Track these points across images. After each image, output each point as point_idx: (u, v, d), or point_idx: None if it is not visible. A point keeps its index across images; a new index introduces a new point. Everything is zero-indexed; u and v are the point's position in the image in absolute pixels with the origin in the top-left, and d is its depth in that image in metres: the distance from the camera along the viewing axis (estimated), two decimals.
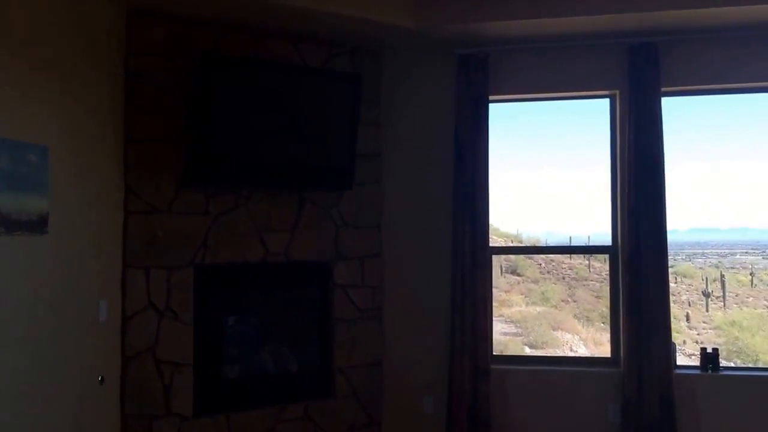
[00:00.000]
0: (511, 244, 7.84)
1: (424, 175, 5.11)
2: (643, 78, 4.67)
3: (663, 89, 4.66)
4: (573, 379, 4.86)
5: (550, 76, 4.90)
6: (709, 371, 4.70)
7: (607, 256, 5.06)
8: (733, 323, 11.60)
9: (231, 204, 4.47)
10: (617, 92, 4.84)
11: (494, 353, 5.09)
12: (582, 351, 11.34)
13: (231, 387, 4.57)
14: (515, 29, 4.63)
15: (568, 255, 9.15)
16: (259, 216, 4.57)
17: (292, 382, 4.80)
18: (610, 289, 4.97)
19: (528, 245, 6.33)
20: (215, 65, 4.18)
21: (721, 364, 4.74)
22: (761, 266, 13.09)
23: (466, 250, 4.87)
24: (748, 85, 4.76)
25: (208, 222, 4.38)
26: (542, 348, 11.35)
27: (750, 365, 6.21)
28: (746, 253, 13.28)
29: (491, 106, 4.95)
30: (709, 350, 4.76)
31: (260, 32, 4.57)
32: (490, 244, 5.04)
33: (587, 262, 10.40)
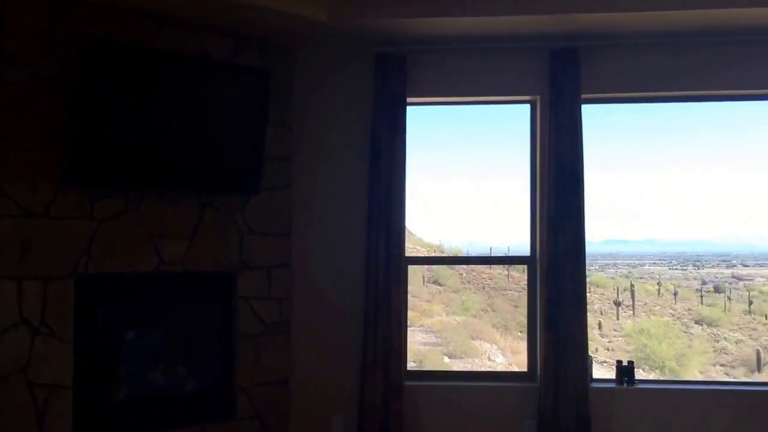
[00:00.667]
0: (433, 255, 7.69)
1: (338, 180, 4.75)
2: (564, 84, 4.46)
3: (583, 96, 4.47)
4: (489, 394, 4.59)
5: (471, 79, 4.64)
6: (625, 384, 4.54)
7: (525, 267, 4.82)
8: (641, 331, 11.79)
9: (119, 208, 3.97)
10: (538, 98, 4.63)
11: (409, 368, 4.77)
12: (500, 360, 11.25)
13: (118, 410, 4.06)
14: (434, 28, 4.35)
15: (489, 265, 9.01)
16: (153, 222, 4.09)
17: (189, 403, 4.33)
18: (528, 302, 4.74)
19: (448, 255, 6.07)
20: (106, 53, 3.71)
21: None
22: (667, 276, 13.42)
23: (380, 260, 4.53)
24: (667, 94, 4.64)
25: (92, 228, 3.86)
26: (461, 358, 11.21)
27: (665, 378, 6.13)
28: (654, 263, 13.60)
29: (411, 109, 4.66)
30: (625, 363, 4.60)
31: (159, 20, 4.10)
32: (410, 254, 4.75)
33: (506, 272, 10.32)
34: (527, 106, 4.75)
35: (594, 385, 4.50)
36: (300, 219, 4.73)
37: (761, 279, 13.03)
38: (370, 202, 4.56)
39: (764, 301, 12.47)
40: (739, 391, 4.52)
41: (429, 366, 10.66)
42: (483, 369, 10.88)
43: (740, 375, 11.10)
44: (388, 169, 4.57)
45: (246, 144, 4.27)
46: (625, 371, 4.54)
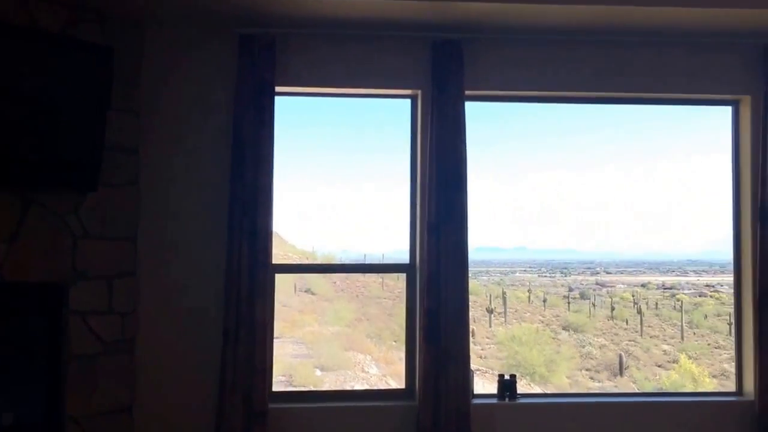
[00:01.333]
0: (306, 262, 7.16)
1: (195, 177, 4.14)
2: (447, 78, 4.10)
3: (467, 93, 4.13)
4: (364, 415, 4.12)
5: (347, 68, 4.17)
6: (506, 399, 4.23)
7: (404, 275, 4.40)
8: (513, 338, 11.84)
9: None
10: (419, 93, 4.24)
11: (277, 389, 4.25)
12: (374, 371, 10.86)
13: None
14: (306, 8, 3.84)
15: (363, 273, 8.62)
16: None
17: None
18: (407, 313, 4.32)
19: (319, 263, 5.56)
20: None
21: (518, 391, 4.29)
22: (537, 283, 13.63)
23: (243, 267, 3.96)
24: (553, 95, 4.38)
25: None
26: (334, 370, 10.74)
27: (546, 392, 5.94)
28: (525, 271, 13.79)
29: (281, 99, 4.14)
30: (507, 377, 4.29)
31: None
32: (280, 262, 4.23)
33: (381, 279, 9.97)
34: (408, 102, 4.35)
35: (475, 401, 4.15)
36: (149, 221, 4.08)
37: (622, 285, 13.49)
38: (232, 202, 3.99)
39: (625, 307, 12.91)
40: (623, 403, 4.34)
41: (299, 380, 10.12)
42: (356, 381, 10.49)
43: (604, 379, 11.36)
44: (254, 165, 4.01)
45: (82, 132, 3.59)
46: (506, 385, 4.23)
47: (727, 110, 4.44)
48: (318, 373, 10.57)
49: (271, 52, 4.04)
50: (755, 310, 4.10)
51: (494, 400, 4.24)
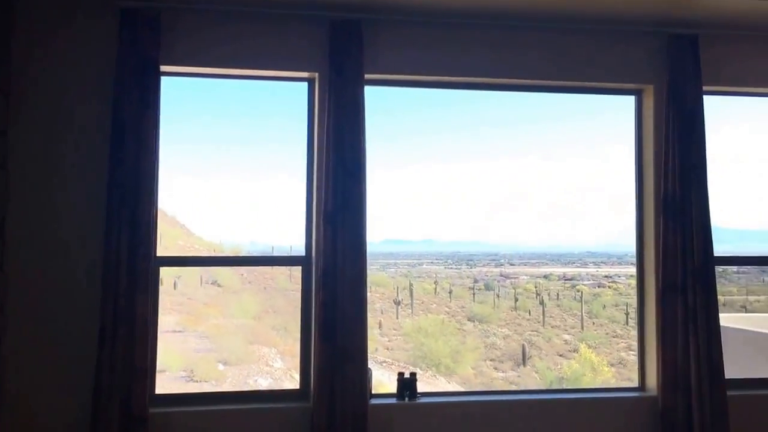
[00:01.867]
0: (214, 255, 6.82)
1: (70, 162, 3.73)
2: (345, 61, 3.86)
3: (366, 76, 3.91)
4: (255, 419, 3.82)
5: (238, 47, 3.85)
6: (406, 399, 4.04)
7: (300, 268, 4.15)
8: (419, 330, 11.82)
9: None
10: (316, 75, 3.98)
11: (160, 392, 3.90)
12: (278, 365, 10.57)
13: None
14: None
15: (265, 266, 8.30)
16: None
17: None
18: (302, 309, 4.08)
19: (206, 255, 5.23)
20: None
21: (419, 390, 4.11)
22: (444, 275, 13.68)
23: (122, 260, 3.60)
24: (458, 80, 4.20)
25: None
26: (237, 365, 10.37)
27: (447, 390, 5.81)
28: (432, 263, 13.82)
29: (168, 80, 3.81)
30: (407, 375, 4.11)
31: None
32: (187, 254, 3.90)
33: (288, 271, 9.68)
34: (305, 85, 4.09)
35: (373, 401, 3.94)
36: (18, 209, 3.65)
37: (525, 277, 13.72)
38: (111, 190, 3.61)
39: (528, 297, 13.14)
40: (526, 400, 4.21)
41: (200, 375, 9.69)
42: (260, 375, 10.16)
43: (507, 369, 11.50)
44: (136, 149, 3.65)
45: None
46: (407, 384, 4.04)
47: (631, 100, 4.37)
48: (221, 367, 10.18)
49: (155, 27, 3.69)
50: (658, 304, 4.07)
51: (393, 400, 4.04)
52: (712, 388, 3.95)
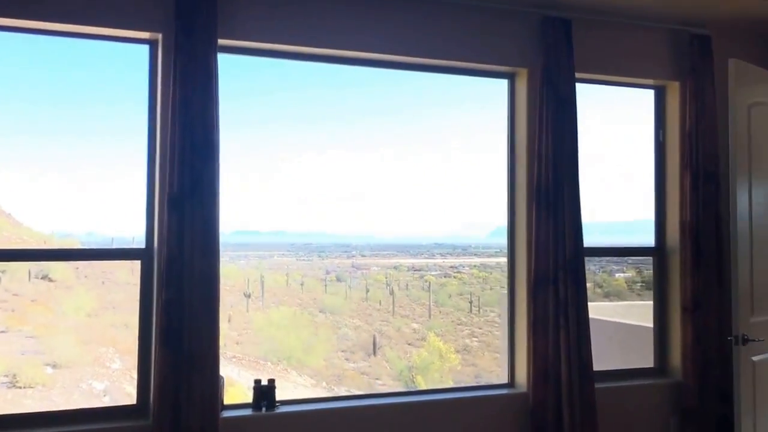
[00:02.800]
0: (43, 247, 5.91)
1: None
2: (195, 21, 3.19)
3: (220, 42, 3.26)
4: None
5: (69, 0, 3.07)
6: (263, 410, 3.45)
7: (139, 262, 3.42)
8: (270, 323, 11.25)
9: None
10: (159, 36, 3.26)
11: None
12: (117, 366, 9.55)
13: None
14: None
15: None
16: None
17: None
18: (141, 310, 3.35)
19: (20, 249, 4.33)
20: None
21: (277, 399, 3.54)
22: (295, 267, 13.20)
23: None
24: (321, 52, 3.66)
25: None
26: (69, 367, 9.29)
27: (309, 397, 5.25)
28: (283, 255, 13.29)
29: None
30: (264, 382, 3.51)
31: None
32: (10, 246, 3.04)
33: (131, 263, 8.80)
34: (146, 48, 3.36)
35: (225, 413, 3.32)
36: None
37: (376, 268, 13.55)
38: None
39: (379, 288, 12.97)
40: (393, 404, 3.76)
41: (25, 380, 8.52)
42: (95, 378, 9.11)
43: (359, 359, 11.24)
44: None
45: None
46: (264, 393, 3.45)
47: (503, 83, 4.00)
48: (49, 371, 9.02)
49: None
50: (529, 299, 3.78)
51: (249, 411, 3.42)
52: (582, 381, 3.75)
